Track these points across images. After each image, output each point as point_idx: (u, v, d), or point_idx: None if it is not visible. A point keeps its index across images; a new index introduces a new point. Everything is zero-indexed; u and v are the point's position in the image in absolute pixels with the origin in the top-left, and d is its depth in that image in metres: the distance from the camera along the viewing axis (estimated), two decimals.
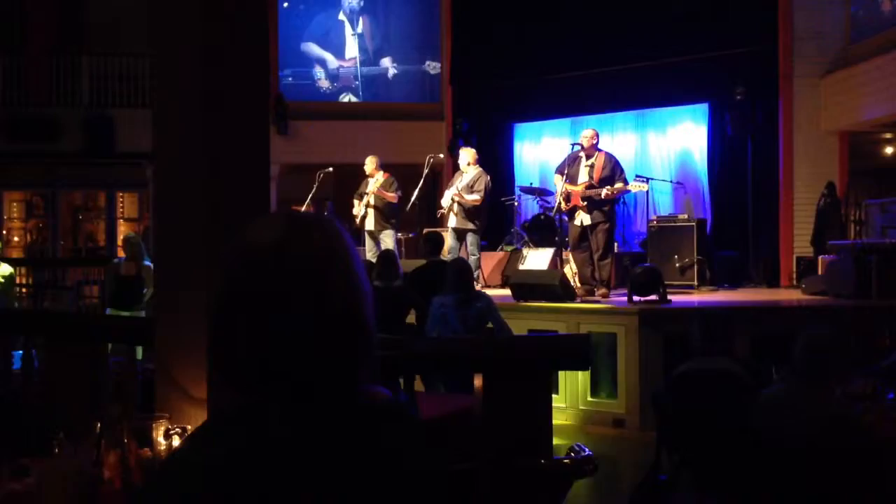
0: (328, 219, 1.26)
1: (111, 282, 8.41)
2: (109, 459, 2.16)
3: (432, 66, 13.66)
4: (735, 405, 3.52)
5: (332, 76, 13.86)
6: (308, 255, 1.19)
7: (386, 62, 13.88)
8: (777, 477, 2.97)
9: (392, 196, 9.66)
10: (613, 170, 8.11)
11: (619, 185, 8.07)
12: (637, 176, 9.90)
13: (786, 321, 7.25)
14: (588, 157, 8.23)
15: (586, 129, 8.68)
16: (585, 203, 8.11)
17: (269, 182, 2.91)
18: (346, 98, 13.93)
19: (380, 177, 9.78)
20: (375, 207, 9.68)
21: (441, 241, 8.26)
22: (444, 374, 5.64)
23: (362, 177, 10.06)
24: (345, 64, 13.88)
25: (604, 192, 7.99)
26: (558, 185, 8.39)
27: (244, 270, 1.19)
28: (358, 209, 9.82)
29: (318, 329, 1.16)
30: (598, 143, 8.33)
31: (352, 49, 13.90)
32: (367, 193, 9.75)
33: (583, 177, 8.19)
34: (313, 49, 13.87)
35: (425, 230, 8.97)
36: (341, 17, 13.94)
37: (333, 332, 1.17)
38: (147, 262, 8.18)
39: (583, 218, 8.19)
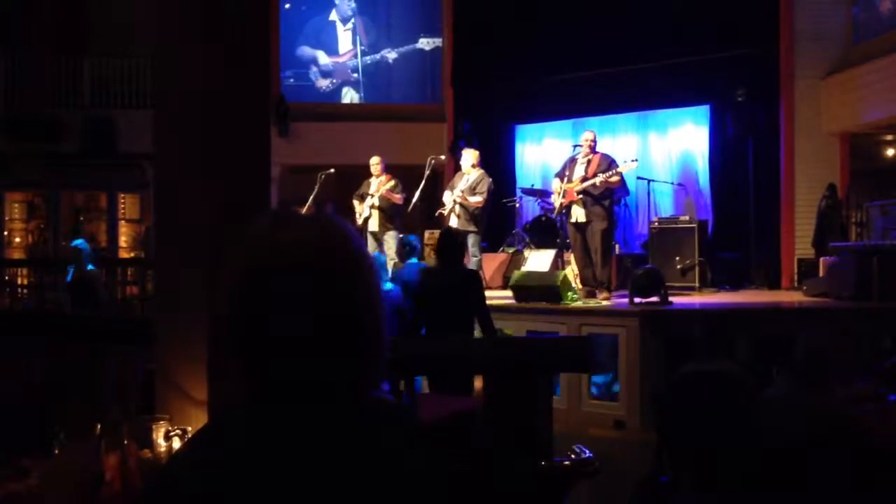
0: (339, 219, 1.25)
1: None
2: (110, 460, 2.16)
3: (427, 42, 13.63)
4: (736, 407, 3.51)
5: (326, 72, 13.87)
6: (317, 255, 1.18)
7: (384, 52, 13.90)
8: (777, 479, 2.96)
9: (398, 198, 9.67)
10: (610, 166, 8.12)
11: (614, 177, 8.04)
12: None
13: (787, 323, 7.25)
14: (585, 157, 8.27)
15: (586, 131, 8.73)
16: (581, 197, 8.12)
17: (269, 183, 2.91)
18: (348, 95, 13.94)
19: (384, 178, 9.80)
20: (380, 208, 9.69)
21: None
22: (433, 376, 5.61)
23: (364, 178, 10.06)
24: (339, 59, 13.90)
25: (598, 179, 7.99)
26: (556, 186, 8.42)
27: (248, 270, 1.18)
28: (360, 210, 9.81)
29: (325, 331, 1.16)
30: (595, 145, 8.37)
31: (346, 43, 13.93)
32: (372, 195, 9.75)
33: (578, 173, 8.21)
34: (308, 51, 13.90)
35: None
36: (335, 16, 13.98)
37: (340, 334, 1.17)
38: (91, 267, 8.33)
39: (577, 214, 8.19)
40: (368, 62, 13.91)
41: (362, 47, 13.90)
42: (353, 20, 13.91)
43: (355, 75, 13.92)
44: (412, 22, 13.91)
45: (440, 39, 13.56)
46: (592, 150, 8.31)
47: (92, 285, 8.08)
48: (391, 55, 13.87)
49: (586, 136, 8.41)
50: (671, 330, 6.97)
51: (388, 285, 6.97)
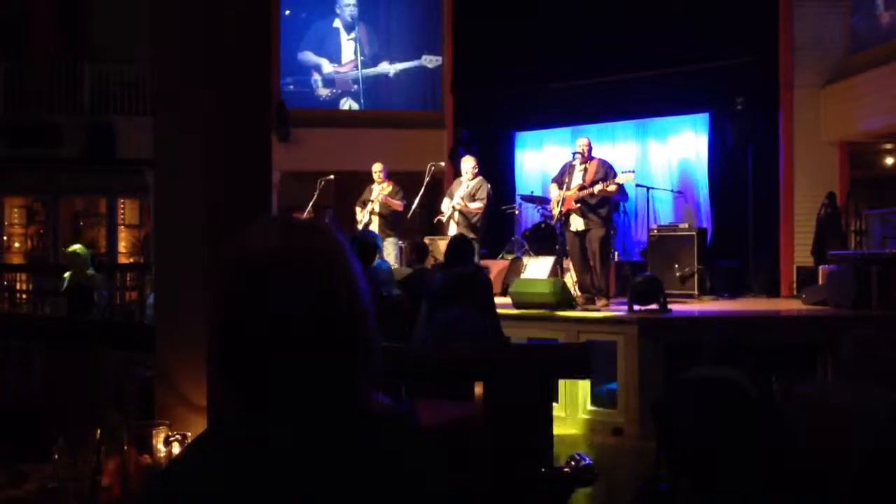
0: (325, 224, 1.27)
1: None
2: (109, 466, 2.15)
3: (430, 60, 13.65)
4: (735, 415, 3.52)
5: (328, 81, 13.88)
6: (307, 259, 1.19)
7: (385, 65, 13.91)
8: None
9: (398, 204, 9.68)
10: (606, 173, 8.12)
11: (611, 186, 8.03)
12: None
13: (786, 331, 7.26)
14: (582, 164, 8.26)
15: (581, 137, 8.73)
16: (579, 206, 8.11)
17: (270, 189, 2.91)
18: (347, 104, 13.95)
19: (385, 185, 9.80)
20: (380, 215, 9.69)
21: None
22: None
23: (364, 184, 10.07)
24: (341, 69, 13.92)
25: (596, 188, 7.98)
26: (554, 193, 8.41)
27: (243, 275, 1.19)
28: (361, 216, 9.82)
29: (319, 334, 1.16)
30: (591, 150, 8.37)
31: (348, 54, 13.95)
32: (372, 201, 9.76)
33: (576, 181, 8.21)
34: (310, 57, 13.91)
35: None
36: (339, 23, 13.99)
37: (334, 338, 1.17)
38: (91, 272, 8.32)
39: (576, 223, 8.18)
40: (370, 74, 13.91)
41: (363, 58, 13.91)
42: (356, 30, 13.92)
43: (356, 87, 13.93)
44: (414, 33, 13.92)
45: (442, 58, 13.56)
46: (588, 156, 8.30)
47: (88, 290, 8.06)
48: (392, 69, 13.88)
49: (581, 143, 8.41)
50: (670, 337, 6.98)
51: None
